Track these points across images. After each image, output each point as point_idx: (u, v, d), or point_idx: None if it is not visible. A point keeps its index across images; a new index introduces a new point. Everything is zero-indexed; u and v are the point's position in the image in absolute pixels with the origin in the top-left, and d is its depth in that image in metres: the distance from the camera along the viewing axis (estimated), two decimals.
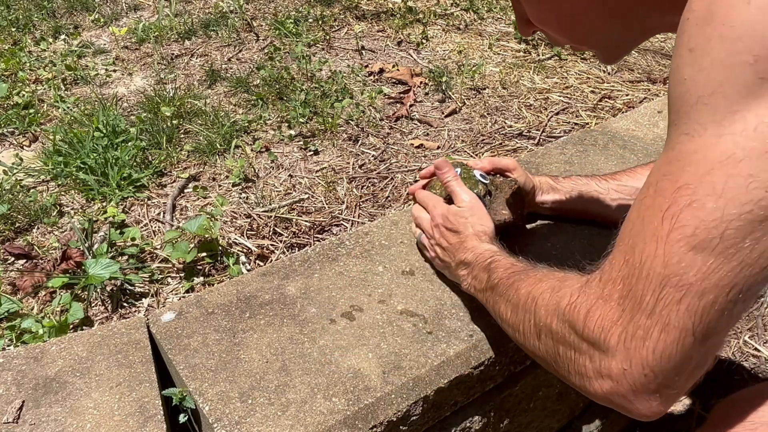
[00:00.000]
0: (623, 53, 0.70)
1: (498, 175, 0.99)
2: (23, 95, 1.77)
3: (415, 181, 1.44)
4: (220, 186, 1.41)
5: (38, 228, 1.27)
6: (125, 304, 1.09)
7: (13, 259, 1.19)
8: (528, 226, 1.06)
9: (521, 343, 0.67)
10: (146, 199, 1.35)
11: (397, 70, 1.94)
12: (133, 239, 1.20)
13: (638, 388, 0.51)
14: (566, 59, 2.09)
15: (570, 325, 0.56)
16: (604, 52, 0.70)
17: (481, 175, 0.94)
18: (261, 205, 1.34)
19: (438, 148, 1.58)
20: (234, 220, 1.30)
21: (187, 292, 1.11)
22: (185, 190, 1.40)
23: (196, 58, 2.06)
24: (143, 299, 1.11)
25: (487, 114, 1.74)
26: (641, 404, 0.52)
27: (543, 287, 0.63)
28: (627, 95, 1.87)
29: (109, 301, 1.09)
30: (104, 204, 1.33)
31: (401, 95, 1.82)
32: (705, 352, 0.50)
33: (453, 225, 0.89)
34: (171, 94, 1.76)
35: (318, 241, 1.25)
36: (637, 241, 0.50)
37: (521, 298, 0.66)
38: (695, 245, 0.46)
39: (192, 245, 1.17)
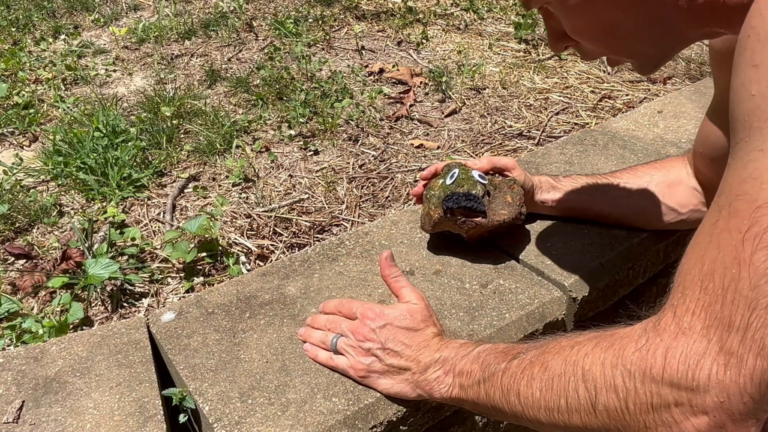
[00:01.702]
0: (661, 63, 0.68)
1: (497, 175, 0.98)
2: (23, 95, 1.77)
3: (415, 182, 1.44)
4: (220, 186, 1.41)
5: (38, 228, 1.27)
6: (125, 304, 1.09)
7: (13, 259, 1.19)
8: (527, 226, 1.06)
9: (563, 423, 0.58)
10: (146, 199, 1.35)
11: (397, 70, 1.95)
12: (133, 239, 1.20)
13: (738, 417, 0.48)
14: (566, 59, 2.09)
15: (643, 374, 0.51)
16: (642, 63, 0.68)
17: (479, 175, 0.93)
18: (261, 205, 1.34)
19: (438, 148, 1.58)
20: (234, 220, 1.30)
21: (187, 292, 1.12)
22: (185, 190, 1.40)
23: (196, 58, 2.06)
24: (143, 299, 1.11)
25: (487, 114, 1.74)
26: (740, 430, 0.49)
27: (585, 350, 0.56)
28: (627, 95, 1.87)
29: (109, 301, 1.09)
30: (104, 204, 1.33)
31: (401, 95, 1.82)
32: None
33: (410, 324, 0.76)
34: (171, 94, 1.76)
35: (318, 241, 1.26)
36: (716, 267, 0.48)
37: (555, 369, 0.58)
38: None
39: (192, 245, 1.17)
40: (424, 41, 2.18)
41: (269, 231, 1.28)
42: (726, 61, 0.68)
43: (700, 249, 0.51)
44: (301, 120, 1.65)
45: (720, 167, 0.55)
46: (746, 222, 0.46)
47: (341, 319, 0.82)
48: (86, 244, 1.17)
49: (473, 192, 0.91)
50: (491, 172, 0.99)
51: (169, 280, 1.15)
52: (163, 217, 1.30)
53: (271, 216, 1.31)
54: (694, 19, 0.60)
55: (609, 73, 2.02)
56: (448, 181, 0.93)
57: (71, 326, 1.02)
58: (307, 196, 1.39)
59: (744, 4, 0.51)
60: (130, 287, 1.12)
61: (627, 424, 0.53)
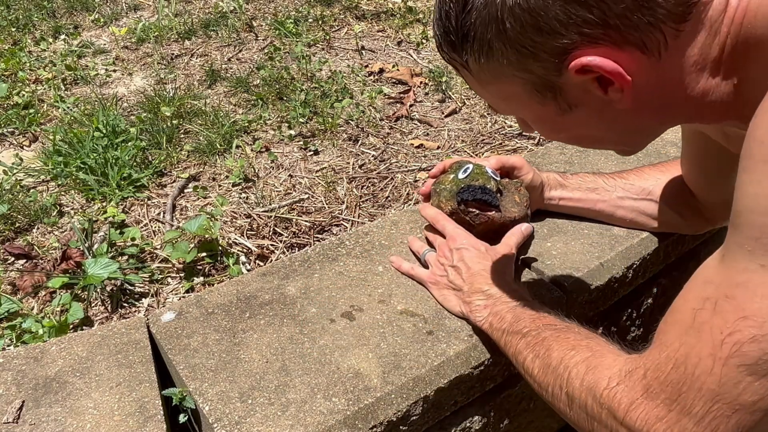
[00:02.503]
0: (642, 147, 0.71)
1: (503, 177, 1.00)
2: (23, 95, 1.77)
3: (416, 182, 1.44)
4: (220, 186, 1.41)
5: (38, 228, 1.27)
6: (125, 304, 1.09)
7: (13, 259, 1.19)
8: None
9: (548, 401, 0.68)
10: (146, 199, 1.35)
11: (397, 70, 1.95)
12: (133, 239, 1.20)
13: None
14: None
15: (609, 411, 0.57)
16: (622, 151, 0.72)
17: (492, 171, 0.95)
18: (261, 205, 1.34)
19: (438, 148, 1.58)
20: (234, 220, 1.30)
21: (187, 292, 1.11)
22: (185, 190, 1.40)
23: (196, 58, 2.06)
24: (143, 299, 1.11)
25: (487, 114, 1.74)
26: None
27: (577, 359, 0.63)
28: None
29: (109, 301, 1.09)
30: (104, 204, 1.33)
31: (401, 95, 1.82)
32: None
33: (480, 253, 0.89)
34: (171, 94, 1.76)
35: (318, 241, 1.25)
36: (691, 354, 0.50)
37: (552, 361, 0.66)
38: (756, 371, 0.47)
39: (192, 245, 1.17)
40: (424, 41, 2.18)
41: (269, 231, 1.28)
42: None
43: (680, 327, 0.53)
44: (301, 120, 1.65)
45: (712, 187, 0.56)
46: (729, 326, 0.48)
47: (438, 237, 0.96)
48: (86, 244, 1.17)
49: (488, 186, 0.92)
50: (499, 171, 1.00)
51: (169, 280, 1.15)
52: (163, 217, 1.30)
53: (271, 216, 1.31)
54: (681, 114, 0.62)
55: None
56: (461, 175, 0.94)
57: (71, 326, 1.02)
58: (307, 196, 1.39)
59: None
60: (130, 287, 1.12)
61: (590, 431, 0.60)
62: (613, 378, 0.57)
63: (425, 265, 0.95)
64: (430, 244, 0.98)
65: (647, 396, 0.53)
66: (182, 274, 1.16)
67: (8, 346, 0.98)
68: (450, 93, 1.83)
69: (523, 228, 0.96)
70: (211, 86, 1.85)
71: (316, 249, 1.03)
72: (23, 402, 0.76)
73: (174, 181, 1.42)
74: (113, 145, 1.48)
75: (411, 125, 1.68)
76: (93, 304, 1.08)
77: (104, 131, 1.51)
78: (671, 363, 0.52)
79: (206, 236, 1.18)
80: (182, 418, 0.77)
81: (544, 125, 0.64)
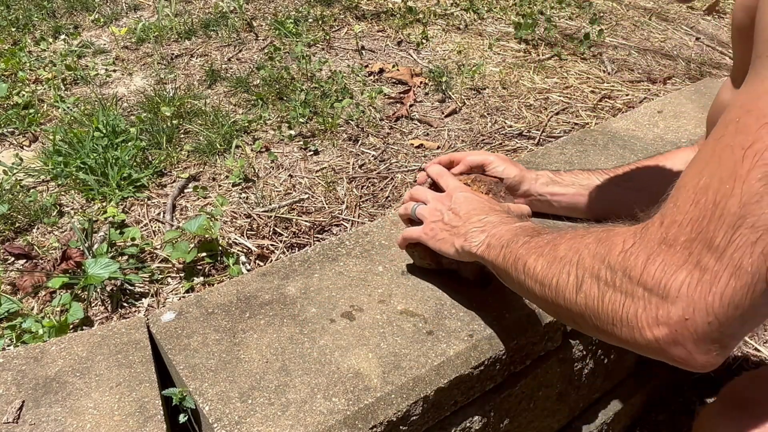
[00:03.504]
0: None
1: (477, 176, 0.97)
2: (23, 95, 1.77)
3: (415, 182, 1.44)
4: (220, 186, 1.41)
5: (38, 228, 1.27)
6: (125, 304, 1.09)
7: (13, 259, 1.19)
8: None
9: (550, 300, 0.63)
10: (146, 199, 1.35)
11: (397, 70, 1.94)
12: (133, 239, 1.20)
13: (700, 337, 0.48)
14: (566, 59, 2.09)
15: (624, 272, 0.53)
16: None
17: None
18: (261, 205, 1.34)
19: (438, 148, 1.58)
20: (234, 220, 1.30)
21: (187, 292, 1.12)
22: (185, 190, 1.40)
23: (196, 58, 2.06)
24: (143, 299, 1.11)
25: (487, 114, 1.74)
26: (700, 355, 0.49)
27: (587, 240, 0.60)
28: (627, 95, 1.87)
29: (109, 301, 1.09)
30: (104, 204, 1.33)
31: (401, 95, 1.82)
32: None
33: (479, 197, 0.85)
34: (171, 94, 1.76)
35: (318, 241, 1.25)
36: (712, 181, 0.47)
37: (560, 252, 0.63)
38: None
39: (192, 245, 1.17)
40: (424, 41, 2.18)
41: (269, 231, 1.28)
42: (744, 36, 0.69)
43: (701, 163, 0.50)
44: (301, 120, 1.65)
45: None
46: (750, 138, 0.45)
47: (430, 192, 0.92)
48: (86, 244, 1.17)
49: None
50: (470, 172, 0.98)
51: (169, 280, 1.15)
52: (163, 217, 1.30)
53: (271, 216, 1.31)
54: None
55: (609, 73, 2.02)
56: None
57: (71, 326, 1.02)
58: (307, 196, 1.39)
59: None
60: (130, 287, 1.12)
61: (599, 315, 0.56)
62: (628, 239, 0.54)
63: (418, 224, 0.92)
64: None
65: (665, 245, 0.50)
66: (182, 274, 1.16)
67: (8, 346, 0.98)
68: (450, 93, 1.83)
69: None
70: (211, 86, 1.85)
71: (316, 249, 1.03)
72: (23, 402, 0.76)
73: (174, 181, 1.42)
74: (113, 145, 1.48)
75: (411, 125, 1.69)
76: (93, 304, 1.08)
77: (104, 131, 1.51)
78: (689, 201, 0.49)
79: (206, 236, 1.18)
80: (182, 418, 0.77)
81: None
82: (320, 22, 2.29)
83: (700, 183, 0.48)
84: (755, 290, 0.46)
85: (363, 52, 2.09)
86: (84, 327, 1.03)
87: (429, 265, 0.95)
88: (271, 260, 1.21)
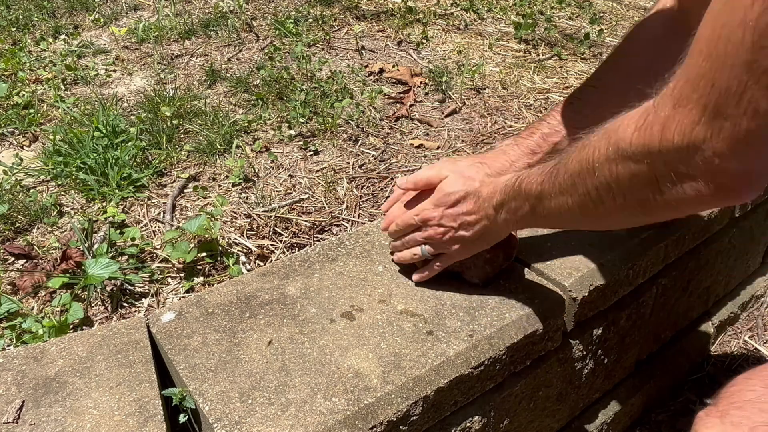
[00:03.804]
0: None
1: None
2: (23, 95, 1.76)
3: None
4: (220, 186, 1.41)
5: (38, 228, 1.27)
6: (125, 304, 1.09)
7: (13, 259, 1.19)
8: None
9: (599, 215, 0.64)
10: (146, 199, 1.35)
11: (397, 70, 1.94)
12: (133, 239, 1.20)
13: (731, 181, 0.50)
14: (566, 59, 2.09)
15: (642, 148, 0.54)
16: None
17: None
18: (261, 205, 1.34)
19: (438, 148, 1.58)
20: (234, 220, 1.30)
21: (187, 292, 1.11)
22: (185, 190, 1.40)
23: (196, 58, 2.05)
24: (143, 299, 1.11)
25: (487, 114, 1.74)
26: (740, 191, 0.51)
27: (594, 142, 0.60)
28: None
29: (109, 301, 1.09)
30: (104, 204, 1.33)
31: (401, 95, 1.82)
32: None
33: (456, 193, 0.83)
34: (171, 94, 1.76)
35: (318, 241, 1.25)
36: (723, 32, 0.47)
37: (574, 171, 0.63)
38: None
39: (192, 245, 1.17)
40: (424, 41, 2.18)
41: (269, 231, 1.28)
42: None
43: (712, 15, 0.49)
44: (301, 120, 1.65)
45: None
46: None
47: (413, 233, 0.89)
48: (86, 244, 1.17)
49: None
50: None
51: (169, 280, 1.15)
52: (163, 217, 1.30)
53: (271, 216, 1.30)
54: None
55: None
56: None
57: (71, 326, 1.02)
58: (307, 196, 1.39)
59: None
60: (130, 287, 1.12)
61: (645, 203, 0.57)
62: (639, 118, 0.54)
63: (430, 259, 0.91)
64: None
65: (679, 106, 0.50)
66: (182, 274, 1.16)
67: (8, 346, 0.98)
68: (450, 93, 1.83)
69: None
70: (211, 86, 1.85)
71: (316, 249, 1.03)
72: (23, 402, 0.76)
73: (174, 181, 1.42)
74: (113, 145, 1.48)
75: (411, 125, 1.68)
76: (93, 304, 1.08)
77: (104, 131, 1.51)
78: (702, 56, 0.49)
79: (206, 236, 1.18)
80: (182, 418, 0.77)
81: None
82: (320, 22, 2.29)
83: (711, 36, 0.48)
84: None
85: (363, 52, 2.09)
86: (84, 327, 1.03)
87: None
88: (271, 260, 1.21)
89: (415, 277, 0.93)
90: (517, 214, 0.76)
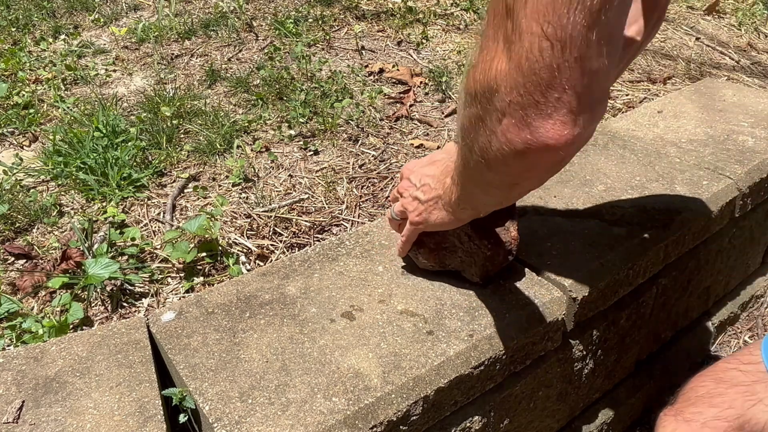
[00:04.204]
0: None
1: None
2: (23, 95, 1.76)
3: None
4: (220, 186, 1.41)
5: (38, 228, 1.27)
6: (125, 304, 1.09)
7: (13, 259, 1.19)
8: (527, 226, 1.06)
9: (473, 175, 0.64)
10: (146, 199, 1.35)
11: (397, 70, 1.94)
12: (133, 239, 1.20)
13: (524, 110, 0.50)
14: None
15: (470, 98, 0.55)
16: None
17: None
18: (261, 205, 1.34)
19: (438, 148, 1.58)
20: (234, 220, 1.30)
21: (187, 292, 1.11)
22: (185, 190, 1.40)
23: (196, 58, 2.05)
24: (143, 299, 1.11)
25: None
26: (539, 129, 0.50)
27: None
28: (627, 95, 1.87)
29: (109, 301, 1.09)
30: (104, 204, 1.33)
31: (401, 95, 1.82)
32: (574, 62, 0.47)
33: (431, 158, 0.87)
34: (171, 94, 1.76)
35: (318, 241, 1.25)
36: None
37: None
38: None
39: (192, 245, 1.17)
40: (424, 41, 2.18)
41: (269, 231, 1.28)
42: None
43: None
44: (301, 120, 1.65)
45: None
46: None
47: (396, 188, 0.91)
48: (86, 244, 1.17)
49: None
50: None
51: (169, 280, 1.15)
52: (163, 217, 1.30)
53: (271, 216, 1.30)
54: None
55: None
56: None
57: (71, 326, 1.02)
58: (307, 196, 1.39)
59: None
60: (130, 287, 1.12)
61: (482, 152, 0.57)
62: (470, 70, 0.56)
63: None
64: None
65: (484, 48, 0.52)
66: (182, 274, 1.16)
67: (8, 346, 0.98)
68: (450, 93, 1.83)
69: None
70: (211, 86, 1.85)
71: (316, 249, 1.03)
72: (23, 402, 0.76)
73: (174, 181, 1.42)
74: (113, 145, 1.48)
75: (411, 125, 1.68)
76: (93, 304, 1.08)
77: (104, 131, 1.51)
78: None
79: (206, 236, 1.18)
80: (182, 418, 0.77)
81: None
82: (320, 22, 2.29)
83: None
84: (542, 50, 0.47)
85: (363, 52, 2.09)
86: (84, 327, 1.03)
87: (432, 267, 0.95)
88: (271, 260, 1.21)
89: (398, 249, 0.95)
90: (458, 180, 0.75)
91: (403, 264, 0.98)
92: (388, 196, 0.93)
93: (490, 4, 0.51)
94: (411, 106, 1.77)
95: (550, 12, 0.45)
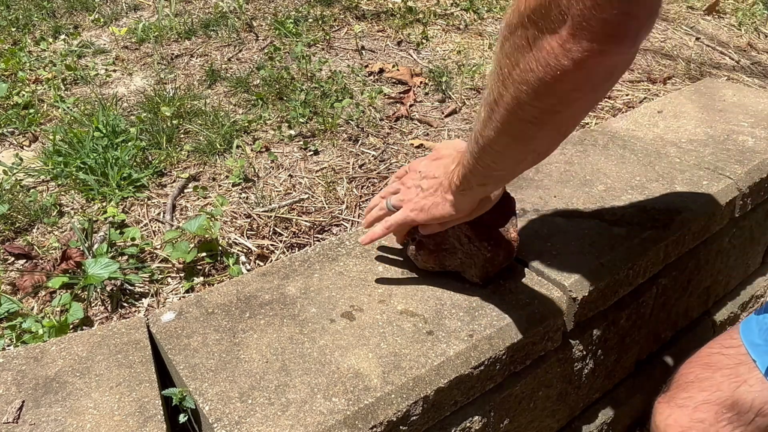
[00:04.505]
0: None
1: None
2: (23, 95, 1.76)
3: None
4: (220, 186, 1.41)
5: (38, 228, 1.27)
6: (125, 304, 1.09)
7: (13, 259, 1.19)
8: (527, 226, 1.07)
9: (512, 110, 0.63)
10: (146, 199, 1.35)
11: (397, 70, 1.94)
12: (133, 239, 1.20)
13: (587, 20, 0.51)
14: None
15: (516, 20, 0.56)
16: None
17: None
18: (261, 205, 1.34)
19: None
20: (234, 220, 1.30)
21: (187, 292, 1.11)
22: (185, 190, 1.40)
23: (196, 58, 2.05)
24: (143, 299, 1.11)
25: None
26: (599, 33, 0.52)
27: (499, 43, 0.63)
28: (627, 95, 1.87)
29: (109, 301, 1.09)
30: (104, 204, 1.33)
31: (401, 95, 1.82)
32: None
33: (437, 153, 0.87)
34: (171, 94, 1.76)
35: (318, 241, 1.25)
36: None
37: (490, 72, 0.64)
38: None
39: (192, 245, 1.17)
40: (424, 41, 2.18)
41: (269, 231, 1.28)
42: None
43: None
44: (301, 120, 1.65)
45: None
46: None
47: (392, 183, 0.92)
48: (86, 244, 1.17)
49: None
50: None
51: (169, 280, 1.15)
52: (163, 217, 1.30)
53: (271, 216, 1.30)
54: None
55: None
56: None
57: (71, 326, 1.02)
58: (307, 196, 1.39)
59: None
60: (130, 287, 1.12)
61: (524, 79, 0.58)
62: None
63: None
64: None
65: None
66: (182, 274, 1.16)
67: (8, 346, 0.98)
68: (450, 93, 1.83)
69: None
70: (211, 86, 1.85)
71: (316, 249, 1.03)
72: (23, 402, 0.76)
73: (174, 181, 1.42)
74: (113, 145, 1.48)
75: (411, 125, 1.68)
76: (93, 304, 1.08)
77: (104, 131, 1.51)
78: None
79: (206, 236, 1.18)
80: (182, 418, 0.77)
81: None
82: (320, 22, 2.29)
83: None
84: None
85: (363, 52, 2.09)
86: (84, 327, 1.03)
87: (432, 267, 0.95)
88: (271, 260, 1.21)
89: (363, 238, 0.92)
90: (468, 162, 0.75)
91: (403, 264, 0.98)
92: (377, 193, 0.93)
93: None
94: (411, 106, 1.77)
95: None
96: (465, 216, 0.83)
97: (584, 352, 1.07)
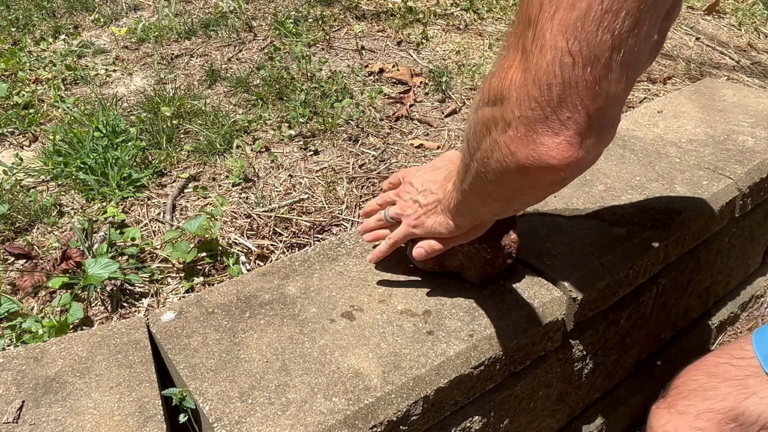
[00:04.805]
0: None
1: None
2: (23, 95, 1.76)
3: None
4: (220, 186, 1.41)
5: (38, 228, 1.27)
6: (125, 304, 1.09)
7: (13, 259, 1.19)
8: (527, 226, 1.07)
9: (480, 178, 0.62)
10: (146, 199, 1.35)
11: (397, 70, 1.94)
12: (133, 239, 1.20)
13: (531, 125, 0.49)
14: None
15: (483, 102, 0.55)
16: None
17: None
18: (261, 205, 1.34)
19: (438, 148, 1.58)
20: (234, 220, 1.30)
21: (187, 292, 1.11)
22: (185, 190, 1.40)
23: (196, 58, 2.05)
24: (143, 299, 1.11)
25: None
26: (543, 146, 0.49)
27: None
28: None
29: (109, 301, 1.09)
30: (104, 204, 1.33)
31: (401, 95, 1.82)
32: (592, 82, 0.46)
33: (434, 164, 0.87)
34: (171, 94, 1.76)
35: (318, 241, 1.25)
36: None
37: (469, 129, 0.62)
38: None
39: (192, 245, 1.17)
40: (424, 41, 2.18)
41: (269, 231, 1.28)
42: None
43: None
44: (301, 120, 1.65)
45: None
46: None
47: (388, 192, 0.91)
48: (86, 244, 1.17)
49: None
50: None
51: (169, 280, 1.15)
52: (163, 217, 1.30)
53: (271, 216, 1.30)
54: None
55: None
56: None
57: (71, 326, 1.02)
58: (307, 196, 1.39)
59: None
60: (130, 287, 1.12)
61: (484, 160, 0.57)
62: (489, 77, 0.55)
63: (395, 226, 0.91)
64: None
65: (505, 55, 0.51)
66: (182, 274, 1.16)
67: (8, 346, 0.98)
68: (450, 93, 1.83)
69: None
70: (211, 86, 1.85)
71: (316, 249, 1.03)
72: (23, 402, 0.76)
73: (174, 181, 1.42)
74: (113, 145, 1.48)
75: (411, 125, 1.68)
76: (93, 304, 1.08)
77: (104, 131, 1.51)
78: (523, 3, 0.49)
79: (206, 236, 1.18)
80: (182, 418, 0.77)
81: None
82: (320, 22, 2.29)
83: None
84: (562, 65, 0.46)
85: (363, 52, 2.09)
86: (84, 327, 1.03)
87: (432, 268, 0.95)
88: (271, 260, 1.21)
89: (370, 257, 0.94)
90: (456, 198, 0.75)
91: (403, 264, 0.98)
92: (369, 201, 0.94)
93: (516, 12, 0.51)
94: (411, 106, 1.77)
95: (579, 27, 0.44)
96: (462, 238, 0.84)
97: (584, 352, 1.07)
